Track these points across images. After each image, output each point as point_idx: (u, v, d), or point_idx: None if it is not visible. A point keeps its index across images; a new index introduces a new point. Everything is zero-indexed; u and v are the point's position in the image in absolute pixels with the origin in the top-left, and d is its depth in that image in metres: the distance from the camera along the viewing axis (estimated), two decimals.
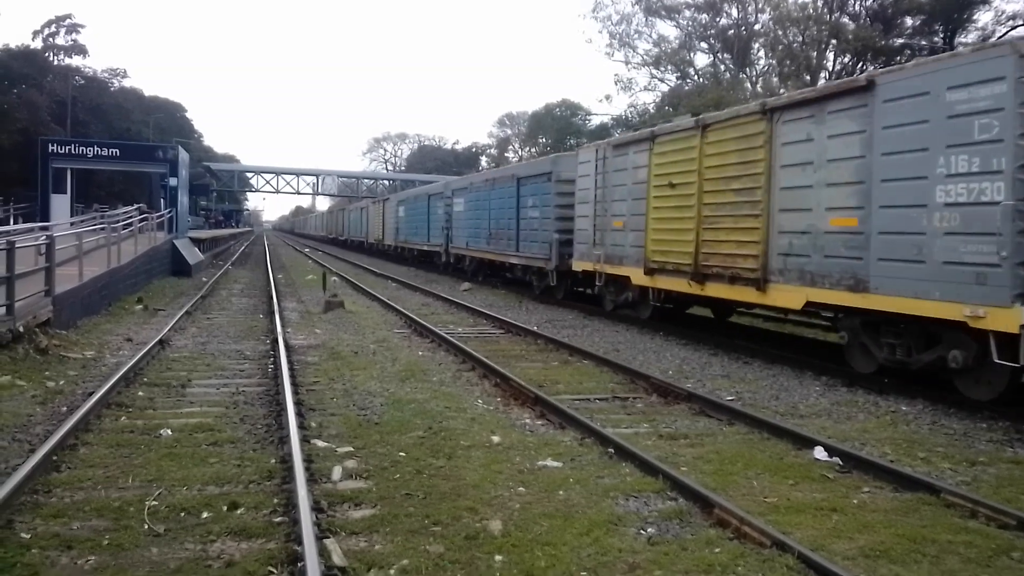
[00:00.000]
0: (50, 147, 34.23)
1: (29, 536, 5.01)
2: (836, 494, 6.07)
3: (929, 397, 9.36)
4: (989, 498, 5.84)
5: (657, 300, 15.34)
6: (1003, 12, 40.41)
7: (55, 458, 6.48)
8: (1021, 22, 39.04)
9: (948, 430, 8.16)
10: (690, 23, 50.10)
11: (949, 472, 6.74)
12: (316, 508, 5.43)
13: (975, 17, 40.92)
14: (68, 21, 58.35)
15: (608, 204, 16.63)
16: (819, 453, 7.03)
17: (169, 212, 31.65)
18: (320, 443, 7.16)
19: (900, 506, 5.82)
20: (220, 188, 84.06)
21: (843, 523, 5.46)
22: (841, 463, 6.80)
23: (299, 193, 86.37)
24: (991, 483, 6.44)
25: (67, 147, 35.38)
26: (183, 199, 36.53)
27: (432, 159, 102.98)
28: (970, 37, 41.01)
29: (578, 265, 18.30)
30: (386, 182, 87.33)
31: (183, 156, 36.84)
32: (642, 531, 5.27)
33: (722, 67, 50.12)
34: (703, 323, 16.18)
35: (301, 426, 7.52)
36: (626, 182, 15.83)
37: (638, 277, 15.33)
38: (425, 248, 34.90)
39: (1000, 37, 38.17)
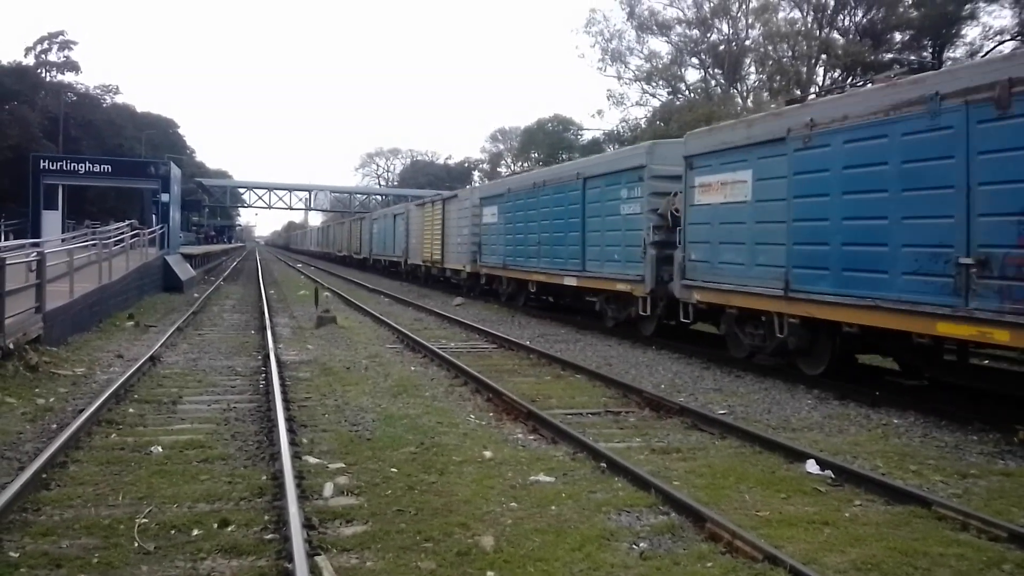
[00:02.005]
0: (41, 163, 34.19)
1: (18, 555, 4.97)
2: (828, 507, 6.07)
3: (921, 410, 9.38)
4: (980, 511, 5.85)
5: None
6: (990, 27, 40.69)
7: (44, 476, 6.43)
8: (1008, 37, 39.43)
9: (939, 443, 8.18)
10: (681, 39, 50.48)
11: (940, 485, 6.75)
12: (307, 525, 5.40)
13: (963, 32, 41.34)
14: (60, 38, 58.48)
15: None
16: (811, 466, 7.03)
17: (161, 228, 31.59)
18: (311, 459, 7.14)
19: (892, 519, 5.82)
20: (212, 204, 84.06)
21: (835, 536, 5.46)
22: (833, 476, 6.80)
23: (291, 208, 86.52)
24: (982, 495, 6.45)
25: (59, 163, 35.32)
26: (175, 215, 36.49)
27: (425, 174, 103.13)
28: (958, 52, 41.43)
29: None
30: (378, 197, 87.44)
31: (175, 172, 36.82)
32: (634, 546, 5.26)
33: (713, 82, 50.46)
34: (694, 336, 16.11)
35: (292, 442, 7.49)
36: None
37: None
38: (579, 279, 17.75)
39: (987, 52, 38.62)
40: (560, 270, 18.71)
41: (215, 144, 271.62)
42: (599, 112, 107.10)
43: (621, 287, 15.88)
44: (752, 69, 48.79)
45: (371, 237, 47.53)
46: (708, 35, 49.26)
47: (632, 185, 15.71)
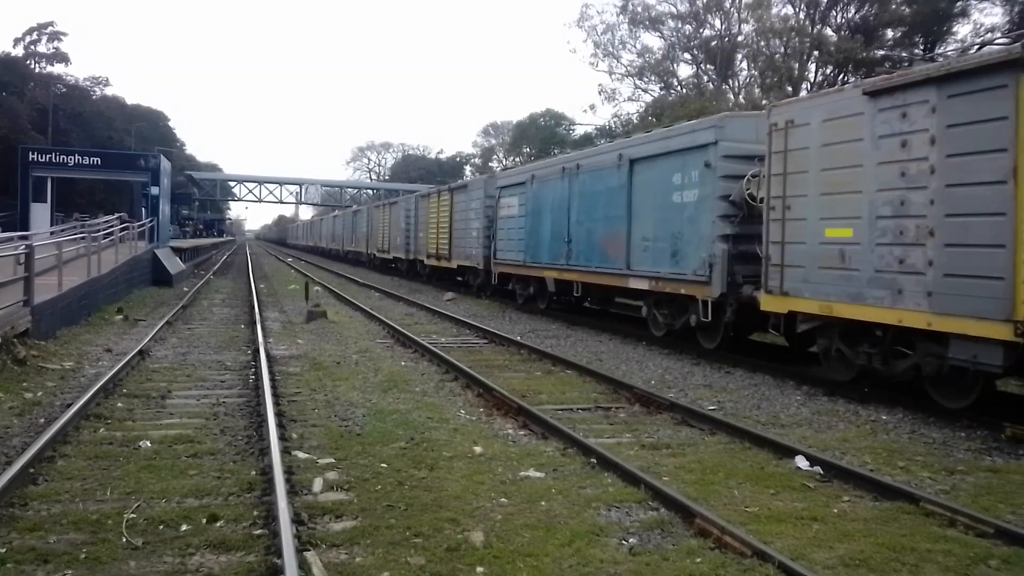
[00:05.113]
0: (30, 155, 34.02)
1: (4, 550, 4.94)
2: (816, 503, 6.10)
3: (909, 406, 9.43)
4: (968, 507, 5.89)
5: None
6: (981, 25, 40.83)
7: (32, 470, 6.39)
8: (999, 34, 39.56)
9: (927, 439, 8.23)
10: (674, 34, 50.43)
11: (928, 481, 6.79)
12: (296, 520, 5.39)
13: (954, 30, 41.48)
14: (50, 29, 58.12)
15: None
16: (800, 462, 7.06)
17: (150, 221, 31.43)
18: (301, 454, 7.12)
19: (880, 515, 5.85)
20: (202, 197, 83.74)
21: (823, 532, 5.48)
22: (822, 472, 6.83)
23: (282, 202, 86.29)
24: (970, 492, 6.50)
25: (48, 155, 35.16)
26: (165, 208, 36.31)
27: (416, 168, 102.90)
28: (949, 49, 41.55)
29: None
30: (370, 191, 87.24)
31: (165, 165, 36.64)
32: (624, 541, 5.27)
33: (705, 78, 50.45)
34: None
35: (282, 437, 7.48)
36: None
37: None
38: None
39: (978, 49, 38.71)
40: None
41: (205, 137, 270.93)
42: (591, 107, 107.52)
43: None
44: (744, 65, 48.85)
45: (467, 221, 25.94)
46: (701, 30, 49.25)
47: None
